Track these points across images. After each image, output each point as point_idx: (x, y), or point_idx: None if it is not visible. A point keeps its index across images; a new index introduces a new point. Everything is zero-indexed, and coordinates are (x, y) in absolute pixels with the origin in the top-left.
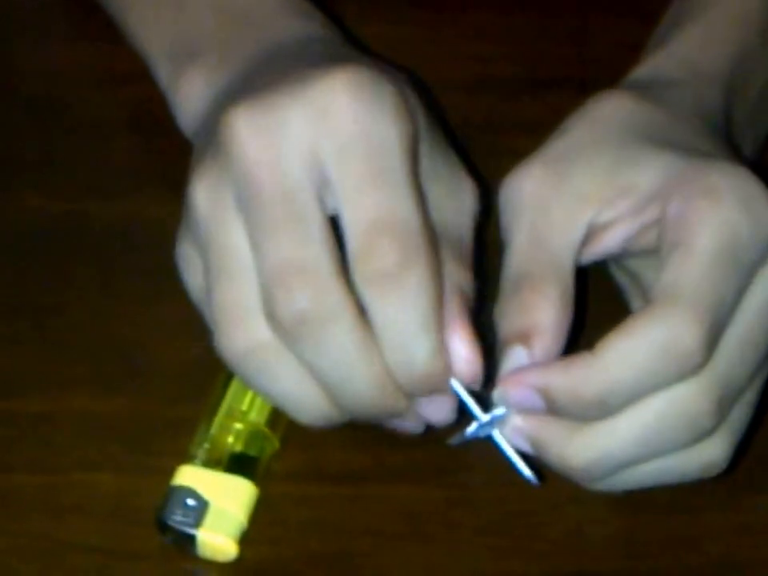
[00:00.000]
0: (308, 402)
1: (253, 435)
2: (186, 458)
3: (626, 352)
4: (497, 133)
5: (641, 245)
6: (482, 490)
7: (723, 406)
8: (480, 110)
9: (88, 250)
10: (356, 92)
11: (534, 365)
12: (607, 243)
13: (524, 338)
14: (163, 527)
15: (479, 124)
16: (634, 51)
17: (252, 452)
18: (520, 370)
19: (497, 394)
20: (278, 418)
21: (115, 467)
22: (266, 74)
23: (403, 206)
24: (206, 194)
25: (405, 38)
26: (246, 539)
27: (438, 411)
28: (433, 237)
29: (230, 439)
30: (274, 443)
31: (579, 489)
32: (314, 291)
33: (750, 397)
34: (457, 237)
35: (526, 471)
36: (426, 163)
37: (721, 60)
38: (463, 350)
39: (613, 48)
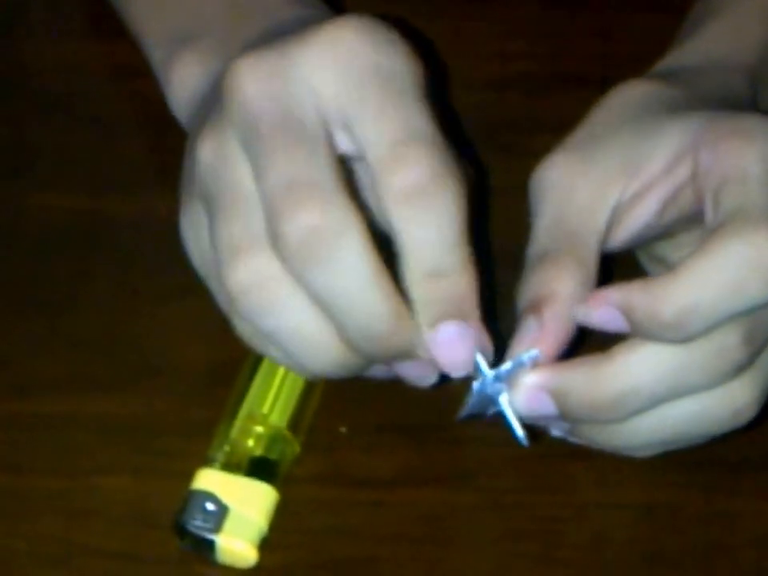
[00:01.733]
0: (317, 342)
1: (273, 438)
2: (206, 461)
3: (710, 270)
4: (521, 132)
5: (679, 207)
6: (506, 494)
7: (755, 340)
8: (503, 108)
9: (105, 247)
10: (366, 30)
11: (616, 286)
12: (643, 214)
13: (536, 308)
14: (182, 532)
15: (503, 122)
16: (658, 48)
17: (273, 456)
18: (602, 290)
19: (581, 314)
20: (299, 421)
21: (133, 470)
22: None
23: (426, 124)
24: (210, 145)
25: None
26: (266, 545)
27: (456, 349)
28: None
29: (251, 442)
30: (295, 447)
31: (605, 494)
32: (320, 207)
33: None
34: None
35: (520, 431)
36: None
37: (746, 52)
38: None
39: (637, 45)
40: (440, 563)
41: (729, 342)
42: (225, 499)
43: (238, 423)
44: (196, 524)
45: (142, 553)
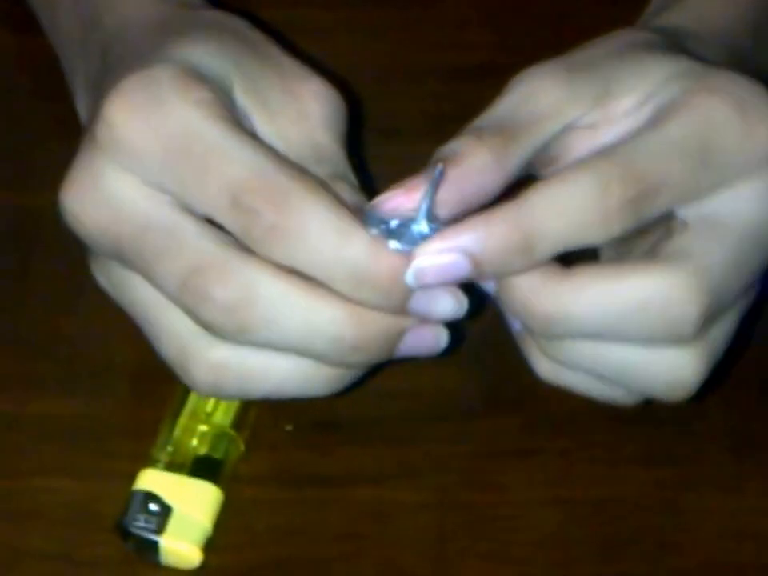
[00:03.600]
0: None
1: (218, 437)
2: (149, 461)
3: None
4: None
5: None
6: (454, 491)
7: (707, 315)
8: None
9: (44, 244)
10: (130, 108)
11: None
12: (588, 147)
13: (441, 161)
14: (125, 533)
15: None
16: None
17: (217, 455)
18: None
19: (410, 275)
20: (243, 419)
21: (75, 471)
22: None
23: (247, 167)
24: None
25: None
26: (210, 546)
27: (435, 300)
28: (292, 170)
29: (194, 442)
30: (240, 446)
31: (561, 490)
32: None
33: (731, 318)
34: (311, 144)
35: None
36: (249, 87)
37: (741, 21)
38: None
39: (592, 32)
40: (386, 562)
41: (684, 311)
42: (168, 499)
43: (182, 422)
44: (139, 525)
45: (85, 555)
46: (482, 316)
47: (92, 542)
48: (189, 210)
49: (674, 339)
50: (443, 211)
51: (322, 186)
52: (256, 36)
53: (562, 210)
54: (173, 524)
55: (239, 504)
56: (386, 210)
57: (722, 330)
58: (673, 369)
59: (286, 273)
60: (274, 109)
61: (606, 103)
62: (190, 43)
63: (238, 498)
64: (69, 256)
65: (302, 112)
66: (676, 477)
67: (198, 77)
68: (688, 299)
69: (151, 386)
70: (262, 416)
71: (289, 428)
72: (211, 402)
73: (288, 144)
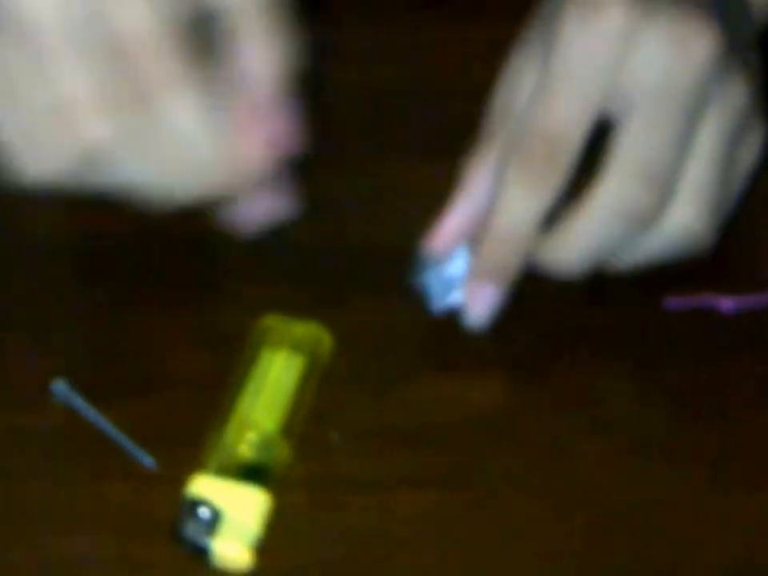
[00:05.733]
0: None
1: (265, 444)
2: (200, 467)
3: None
4: None
5: None
6: (495, 495)
7: (658, 186)
8: None
9: (97, 261)
10: None
11: None
12: None
13: None
14: (178, 537)
15: None
16: None
17: (265, 460)
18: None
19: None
20: (290, 426)
21: (130, 477)
22: None
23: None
24: None
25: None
26: (261, 549)
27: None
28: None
29: (243, 448)
30: (287, 452)
31: (587, 492)
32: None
33: (705, 155)
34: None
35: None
36: None
37: None
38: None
39: None
40: (433, 563)
41: (628, 195)
42: (218, 504)
43: (231, 430)
44: (191, 530)
45: (139, 558)
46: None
47: (146, 545)
48: None
49: (648, 215)
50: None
51: None
52: None
53: None
54: (223, 528)
55: (288, 508)
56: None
57: (700, 173)
58: (675, 225)
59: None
60: None
61: None
62: None
63: (287, 502)
64: (125, 273)
65: None
66: (701, 475)
67: None
68: (635, 185)
69: (202, 395)
70: (309, 423)
71: (334, 435)
72: (259, 409)
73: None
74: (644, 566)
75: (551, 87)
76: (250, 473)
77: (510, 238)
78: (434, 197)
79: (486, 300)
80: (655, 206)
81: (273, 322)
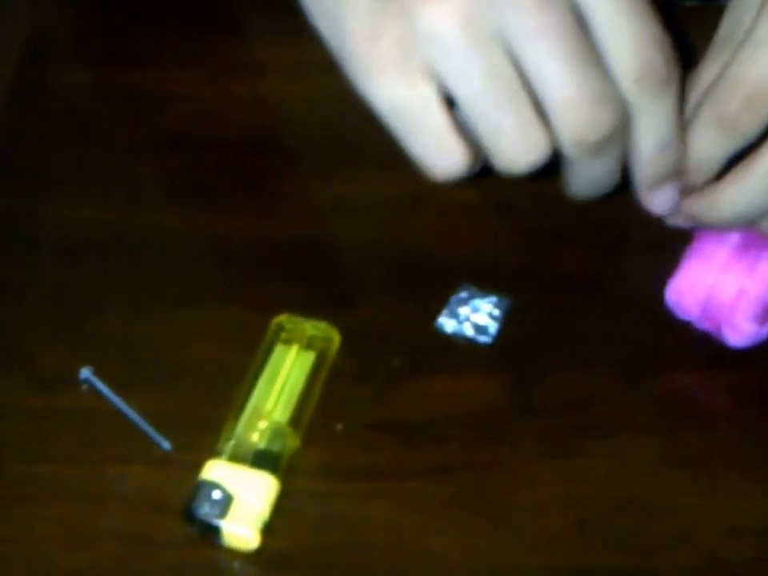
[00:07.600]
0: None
1: (276, 433)
2: (214, 453)
3: None
4: None
5: None
6: (490, 486)
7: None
8: None
9: (129, 255)
10: None
11: None
12: None
13: None
14: (191, 518)
15: None
16: None
17: (275, 449)
18: None
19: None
20: (300, 417)
21: (147, 461)
22: None
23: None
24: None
25: None
26: (267, 530)
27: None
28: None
29: (255, 437)
30: (296, 441)
31: (581, 489)
32: None
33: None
34: None
35: None
36: None
37: None
38: None
39: None
40: (431, 551)
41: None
42: (230, 488)
43: (244, 419)
44: (204, 511)
45: (154, 537)
46: (519, 324)
47: (161, 524)
48: None
49: None
50: None
51: None
52: None
53: None
54: (234, 510)
55: (294, 494)
56: None
57: None
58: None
59: None
60: None
61: None
62: None
63: (293, 488)
64: (145, 268)
65: None
66: (687, 478)
67: None
68: None
69: (218, 385)
70: (317, 415)
71: (340, 427)
72: (271, 401)
73: None
74: (627, 561)
75: (759, 38)
76: (261, 459)
77: (694, 169)
78: (446, 201)
79: (669, 197)
80: None
81: (286, 320)
